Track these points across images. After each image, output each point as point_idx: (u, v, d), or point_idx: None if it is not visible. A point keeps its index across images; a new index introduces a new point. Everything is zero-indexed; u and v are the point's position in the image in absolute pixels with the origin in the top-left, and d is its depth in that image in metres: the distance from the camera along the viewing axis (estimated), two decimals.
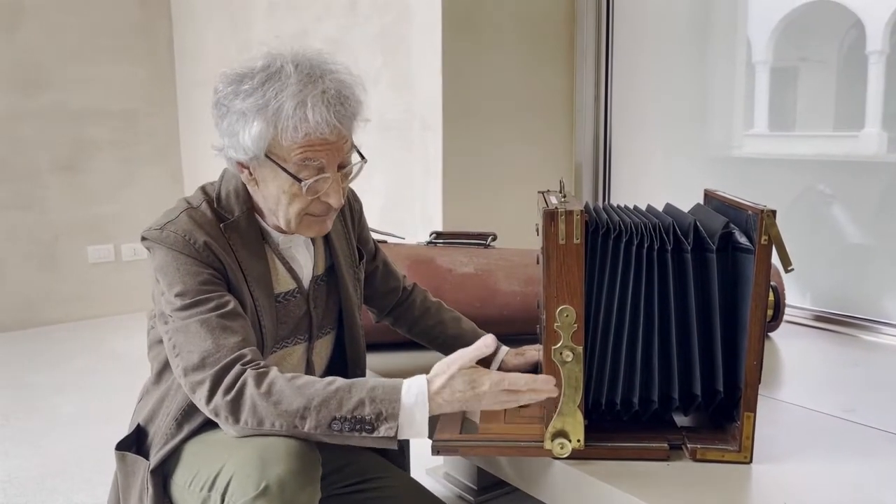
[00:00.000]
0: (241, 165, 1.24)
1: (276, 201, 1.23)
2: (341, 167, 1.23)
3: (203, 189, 1.30)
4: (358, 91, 1.23)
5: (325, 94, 1.16)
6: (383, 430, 1.07)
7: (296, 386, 1.10)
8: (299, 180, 1.19)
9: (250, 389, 1.10)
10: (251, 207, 1.29)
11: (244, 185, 1.29)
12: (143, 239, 1.23)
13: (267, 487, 1.04)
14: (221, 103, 1.21)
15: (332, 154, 1.20)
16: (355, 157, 1.27)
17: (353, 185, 1.53)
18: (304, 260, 1.36)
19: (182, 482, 1.20)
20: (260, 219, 1.30)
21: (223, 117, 1.21)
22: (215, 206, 1.26)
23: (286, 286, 1.32)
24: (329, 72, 1.20)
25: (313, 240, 1.39)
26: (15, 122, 3.81)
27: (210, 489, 1.13)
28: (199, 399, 1.13)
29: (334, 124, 1.17)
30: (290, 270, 1.33)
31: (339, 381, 1.11)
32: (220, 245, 1.22)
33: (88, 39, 3.96)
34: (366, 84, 1.27)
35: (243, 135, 1.18)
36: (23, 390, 3.02)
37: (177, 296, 1.17)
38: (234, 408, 1.10)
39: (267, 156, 1.19)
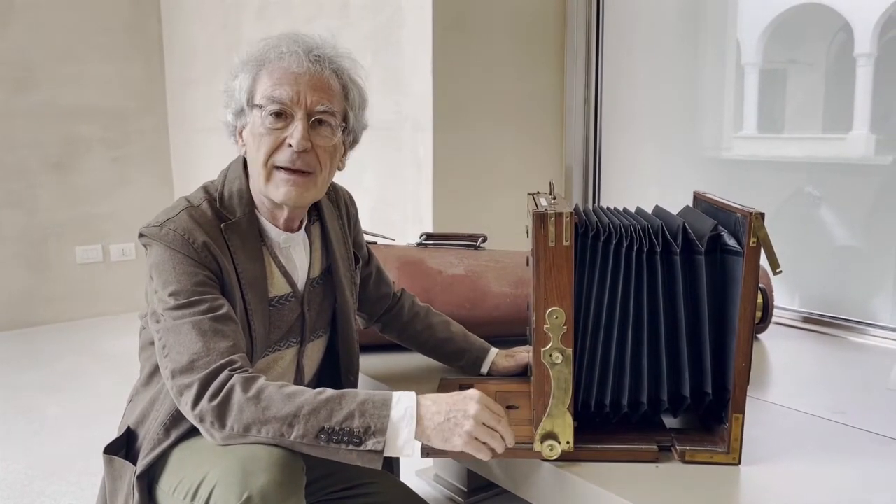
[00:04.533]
0: (239, 135, 1.29)
1: (253, 156, 1.25)
2: (311, 116, 1.23)
3: (205, 188, 1.29)
4: (347, 63, 1.29)
5: (302, 41, 1.25)
6: (370, 444, 1.06)
7: (285, 393, 1.09)
8: (262, 107, 1.22)
9: (238, 394, 1.08)
10: (253, 208, 1.29)
11: (248, 185, 1.29)
12: (141, 235, 1.22)
13: (249, 498, 1.03)
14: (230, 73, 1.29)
15: (299, 92, 1.22)
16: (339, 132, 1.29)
17: (346, 185, 1.53)
18: (301, 261, 1.35)
19: (167, 489, 1.19)
20: (260, 217, 1.30)
21: (227, 84, 1.29)
22: (217, 205, 1.26)
23: (281, 290, 1.32)
24: (320, 45, 1.27)
25: (311, 241, 1.38)
26: (4, 121, 3.78)
27: (193, 498, 1.12)
28: (185, 403, 1.12)
29: (306, 62, 1.22)
30: (286, 275, 1.32)
31: (330, 392, 1.10)
32: (219, 246, 1.21)
33: (79, 38, 3.94)
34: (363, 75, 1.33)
35: (233, 87, 1.26)
36: (10, 391, 3.00)
37: (170, 295, 1.16)
38: (221, 412, 1.09)
39: (248, 104, 1.24)
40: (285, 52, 1.23)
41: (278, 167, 1.23)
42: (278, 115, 1.22)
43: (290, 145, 1.21)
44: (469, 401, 1.09)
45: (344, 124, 1.28)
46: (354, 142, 1.35)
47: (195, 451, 1.18)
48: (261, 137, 1.23)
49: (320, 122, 1.24)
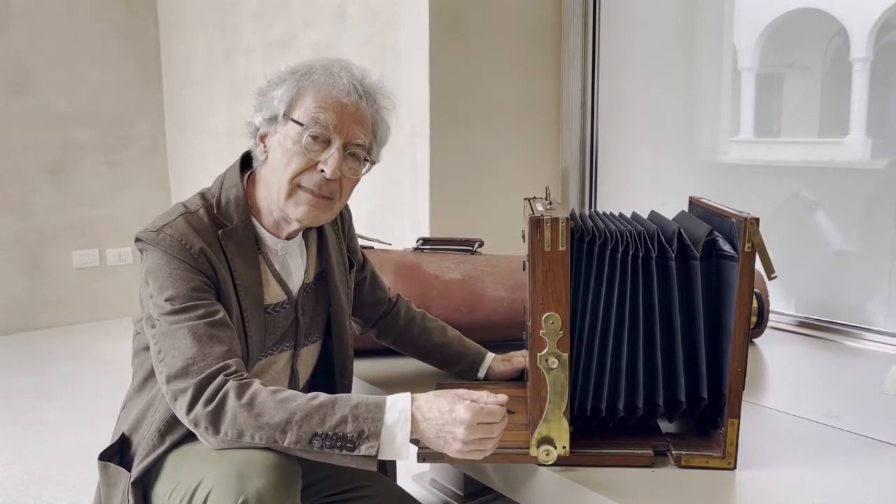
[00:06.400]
0: (260, 139, 1.28)
1: (278, 169, 1.24)
2: (347, 147, 1.24)
3: (202, 195, 1.29)
4: (387, 103, 1.31)
5: (353, 72, 1.26)
6: (364, 449, 1.06)
7: (278, 399, 1.09)
8: (303, 125, 1.21)
9: (232, 401, 1.09)
10: (250, 216, 1.29)
11: (245, 193, 1.30)
12: (138, 240, 1.22)
13: (245, 501, 1.03)
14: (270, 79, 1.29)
15: (342, 122, 1.23)
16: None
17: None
18: (296, 267, 1.36)
19: (162, 494, 1.19)
20: (257, 223, 1.30)
21: (264, 88, 1.28)
22: (214, 212, 1.26)
23: (276, 298, 1.32)
24: (368, 78, 1.29)
25: (307, 246, 1.38)
26: (0, 126, 3.78)
27: (189, 503, 1.12)
28: (180, 408, 1.12)
29: (354, 95, 1.23)
30: (281, 283, 1.33)
31: (323, 397, 1.10)
32: (215, 252, 1.21)
33: (75, 43, 3.94)
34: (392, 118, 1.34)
35: (273, 93, 1.25)
36: (6, 396, 2.99)
37: (167, 300, 1.16)
38: (215, 418, 1.09)
39: (285, 115, 1.23)
40: (342, 80, 1.23)
41: (302, 187, 1.24)
42: (315, 139, 1.22)
43: (322, 171, 1.23)
44: (458, 426, 1.07)
45: (369, 157, 1.30)
46: (367, 171, 1.36)
47: (190, 456, 1.18)
48: (293, 155, 1.23)
49: (352, 154, 1.26)
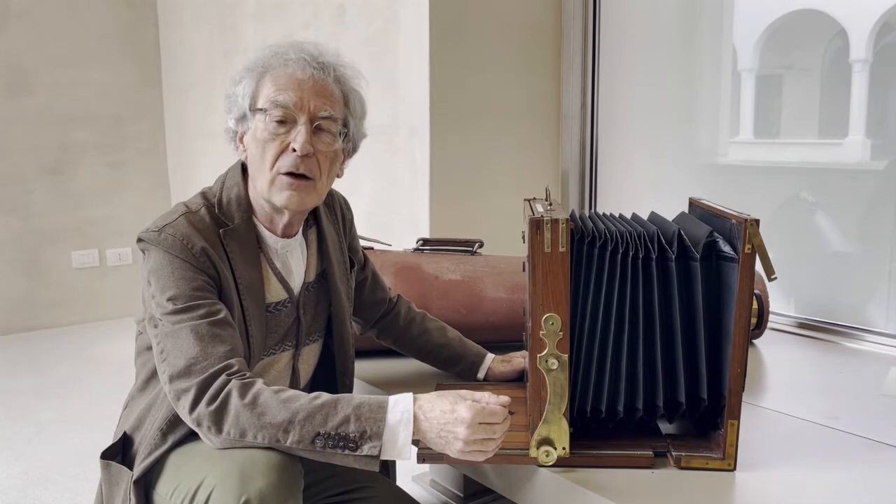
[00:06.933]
0: (240, 140, 1.29)
1: (257, 161, 1.25)
2: (313, 121, 1.24)
3: (203, 194, 1.29)
4: (349, 72, 1.30)
5: (306, 49, 1.26)
6: (366, 449, 1.06)
7: (281, 399, 1.09)
8: (265, 111, 1.22)
9: (234, 400, 1.09)
10: (251, 215, 1.29)
11: (246, 191, 1.30)
12: (140, 240, 1.23)
13: (247, 501, 1.04)
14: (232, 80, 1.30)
15: (303, 98, 1.23)
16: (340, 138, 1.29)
17: (343, 190, 1.53)
18: (297, 266, 1.36)
19: (164, 493, 1.19)
20: (258, 223, 1.30)
21: (229, 90, 1.29)
22: (216, 211, 1.26)
23: (277, 297, 1.32)
24: (324, 53, 1.28)
25: (308, 245, 1.38)
26: (0, 126, 3.78)
27: (191, 502, 1.12)
28: (183, 407, 1.12)
29: (309, 69, 1.23)
30: (283, 281, 1.33)
31: (325, 397, 1.10)
32: (217, 252, 1.21)
33: (75, 43, 3.94)
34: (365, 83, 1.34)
35: (236, 92, 1.27)
36: (6, 396, 2.99)
37: (169, 300, 1.16)
38: (218, 418, 1.09)
39: (251, 108, 1.25)
40: (291, 58, 1.24)
41: (282, 173, 1.24)
42: (282, 121, 1.23)
43: (294, 150, 1.22)
44: (459, 425, 1.07)
45: (344, 131, 1.29)
46: (353, 150, 1.36)
47: (192, 455, 1.18)
48: (265, 143, 1.23)
49: (322, 128, 1.25)
